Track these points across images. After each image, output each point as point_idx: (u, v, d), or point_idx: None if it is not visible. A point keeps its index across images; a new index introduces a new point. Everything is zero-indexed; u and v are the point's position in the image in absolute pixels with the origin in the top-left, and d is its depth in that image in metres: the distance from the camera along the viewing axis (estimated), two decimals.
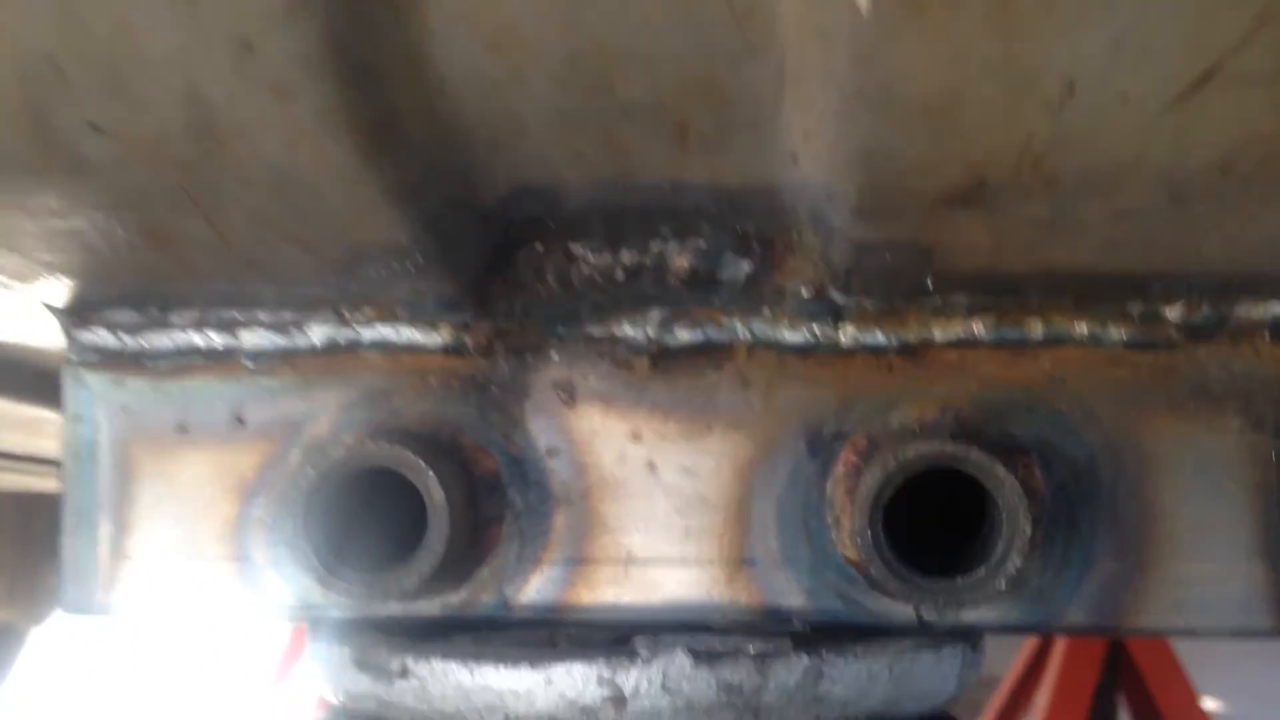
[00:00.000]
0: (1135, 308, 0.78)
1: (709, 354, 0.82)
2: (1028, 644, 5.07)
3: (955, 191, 0.62)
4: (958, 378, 0.80)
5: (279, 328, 0.83)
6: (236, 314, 0.83)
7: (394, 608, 0.83)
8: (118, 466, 0.85)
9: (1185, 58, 0.51)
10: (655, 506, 0.82)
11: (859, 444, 0.81)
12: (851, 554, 0.80)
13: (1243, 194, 0.62)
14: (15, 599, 2.98)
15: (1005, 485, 0.74)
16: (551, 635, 0.83)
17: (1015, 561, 0.74)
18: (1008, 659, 4.52)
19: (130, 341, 0.85)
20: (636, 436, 0.83)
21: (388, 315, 0.83)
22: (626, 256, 0.80)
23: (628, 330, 0.82)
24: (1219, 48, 0.51)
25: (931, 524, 0.81)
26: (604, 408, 0.83)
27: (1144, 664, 4.72)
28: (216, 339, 0.84)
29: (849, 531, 0.80)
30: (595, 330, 0.82)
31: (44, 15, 0.53)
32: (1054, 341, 0.79)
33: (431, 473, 0.77)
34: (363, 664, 0.80)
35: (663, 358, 0.82)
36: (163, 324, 0.84)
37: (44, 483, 1.96)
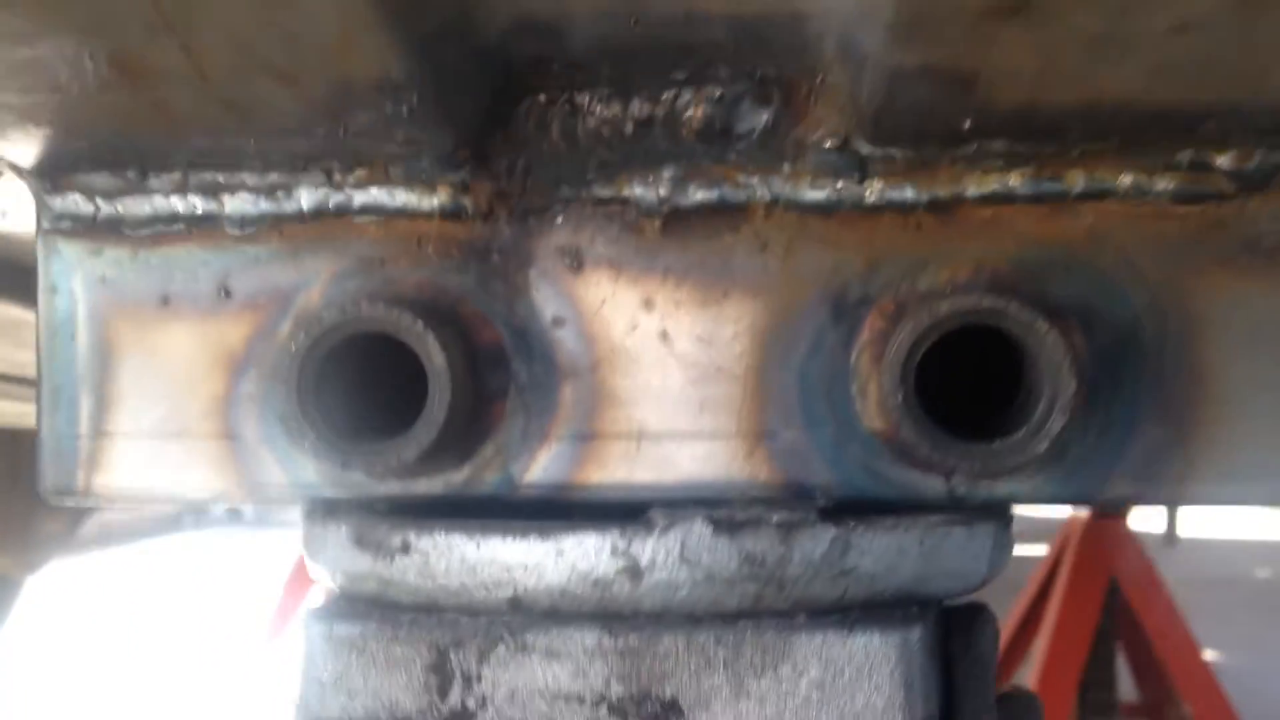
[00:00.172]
0: (1184, 155, 0.73)
1: (725, 215, 0.77)
2: (1024, 594, 5.07)
3: None
4: (992, 236, 0.75)
5: (265, 191, 0.78)
6: (219, 177, 0.78)
7: (393, 486, 0.78)
8: (97, 341, 0.80)
9: None
10: (668, 378, 0.78)
11: (886, 308, 0.76)
12: (878, 424, 0.76)
13: None
14: (7, 546, 2.94)
15: (1048, 339, 0.69)
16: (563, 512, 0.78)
17: (1058, 421, 0.69)
18: (1004, 609, 4.51)
19: (107, 207, 0.79)
20: (648, 304, 0.78)
21: (380, 177, 0.77)
22: (636, 107, 0.75)
23: (638, 190, 0.77)
24: None
25: (954, 411, 0.77)
26: (613, 274, 0.78)
27: (1143, 615, 4.72)
28: (199, 204, 0.79)
29: (876, 398, 0.75)
30: (603, 191, 0.77)
31: None
32: (1096, 195, 0.74)
33: (432, 335, 0.72)
34: (362, 542, 0.75)
35: (675, 220, 0.77)
36: (141, 188, 0.79)
37: (31, 412, 1.91)
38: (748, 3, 0.66)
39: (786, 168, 0.75)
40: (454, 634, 0.73)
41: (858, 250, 0.76)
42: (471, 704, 0.73)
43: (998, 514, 0.80)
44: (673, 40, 0.70)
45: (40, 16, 0.61)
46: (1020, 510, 0.82)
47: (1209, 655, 4.77)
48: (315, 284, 0.79)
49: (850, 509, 0.75)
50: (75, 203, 0.79)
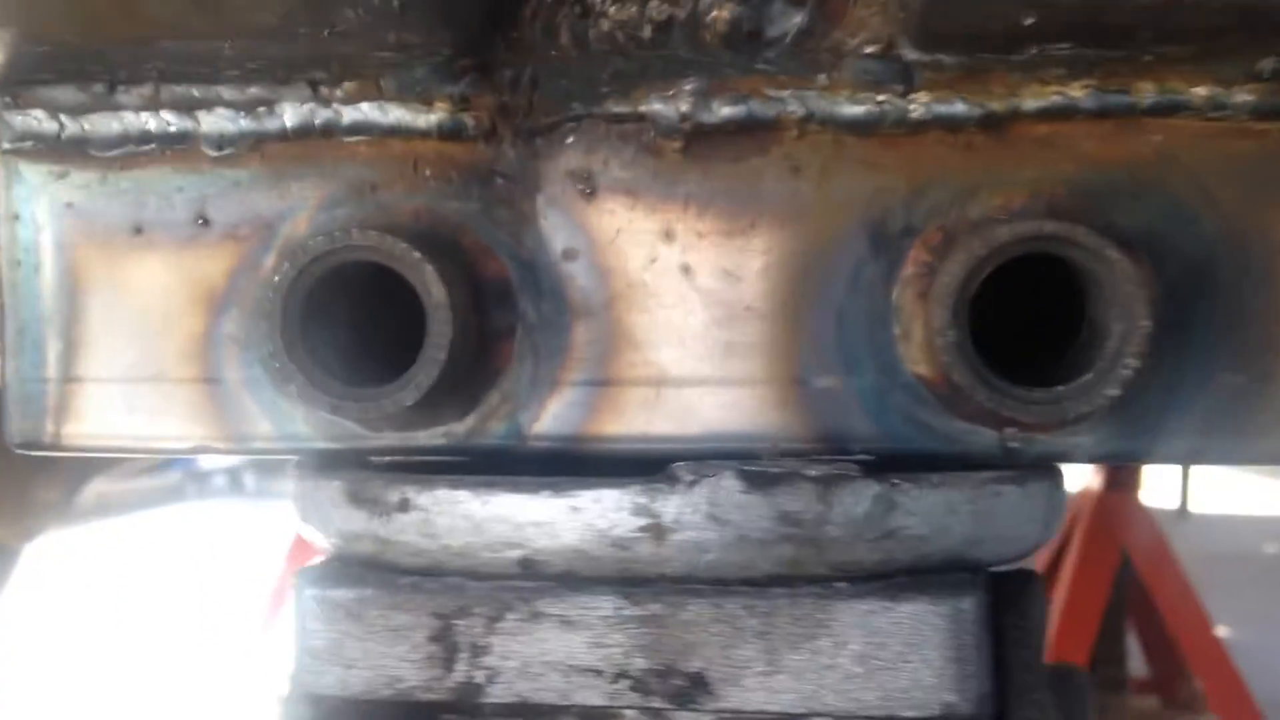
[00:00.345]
0: (1268, 63, 0.65)
1: (753, 134, 0.69)
2: (1035, 568, 5.01)
3: None
4: (1050, 157, 0.68)
5: (245, 107, 0.71)
6: (194, 90, 0.71)
7: (390, 438, 0.72)
8: (64, 274, 0.73)
9: None
10: (691, 318, 0.70)
11: (931, 239, 0.69)
12: (925, 368, 0.68)
13: None
14: (2, 513, 2.88)
15: (1118, 269, 0.62)
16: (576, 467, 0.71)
17: (1131, 363, 0.62)
18: None
19: (72, 125, 0.72)
20: (668, 235, 0.70)
21: (371, 91, 0.70)
22: (654, 6, 0.67)
23: (656, 106, 0.69)
24: None
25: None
26: (629, 201, 0.70)
27: (1155, 590, 4.66)
28: (172, 121, 0.72)
29: (922, 340, 0.68)
30: (618, 106, 0.70)
31: None
32: (1167, 110, 0.67)
33: (430, 265, 0.65)
34: (357, 498, 0.69)
35: (698, 140, 0.70)
36: (109, 103, 0.72)
37: None
38: None
39: (822, 79, 0.68)
40: (459, 600, 0.67)
41: (901, 173, 0.69)
42: (480, 677, 0.66)
43: (1051, 473, 0.73)
44: None
45: None
46: None
47: (1220, 631, 4.71)
48: (301, 212, 0.72)
49: (891, 465, 0.68)
50: (37, 120, 0.72)
